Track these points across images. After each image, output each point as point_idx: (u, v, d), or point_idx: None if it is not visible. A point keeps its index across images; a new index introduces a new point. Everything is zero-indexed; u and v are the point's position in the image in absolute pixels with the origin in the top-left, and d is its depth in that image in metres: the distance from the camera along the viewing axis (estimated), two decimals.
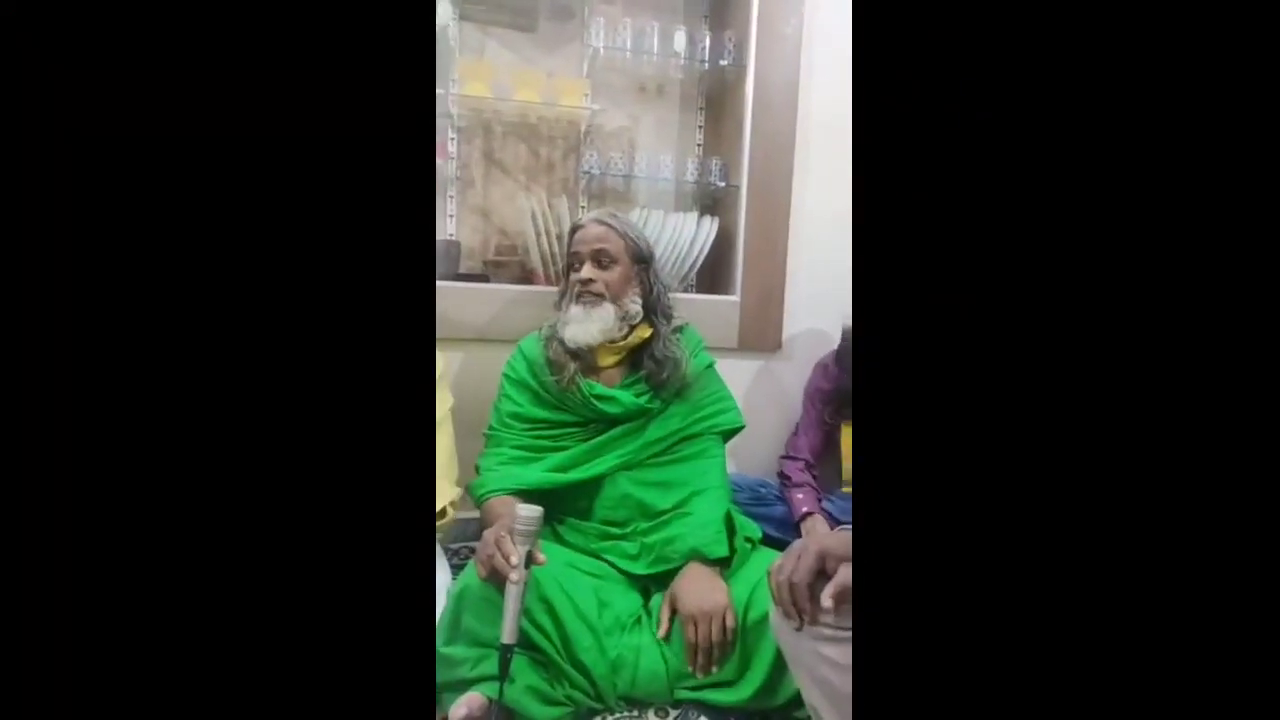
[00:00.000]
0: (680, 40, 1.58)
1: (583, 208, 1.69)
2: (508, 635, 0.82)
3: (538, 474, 1.13)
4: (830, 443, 1.52)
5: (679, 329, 1.22)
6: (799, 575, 0.75)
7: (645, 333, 1.17)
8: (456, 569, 1.12)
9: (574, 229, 1.19)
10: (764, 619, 0.91)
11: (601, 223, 1.17)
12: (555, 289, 1.27)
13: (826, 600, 0.69)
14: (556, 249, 1.49)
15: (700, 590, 0.96)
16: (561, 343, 1.14)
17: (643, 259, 1.19)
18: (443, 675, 0.88)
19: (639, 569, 1.07)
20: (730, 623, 0.94)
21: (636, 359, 1.18)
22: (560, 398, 1.15)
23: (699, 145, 1.74)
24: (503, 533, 0.86)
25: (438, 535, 1.09)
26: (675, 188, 1.71)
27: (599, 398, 1.14)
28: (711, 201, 1.70)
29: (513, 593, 0.82)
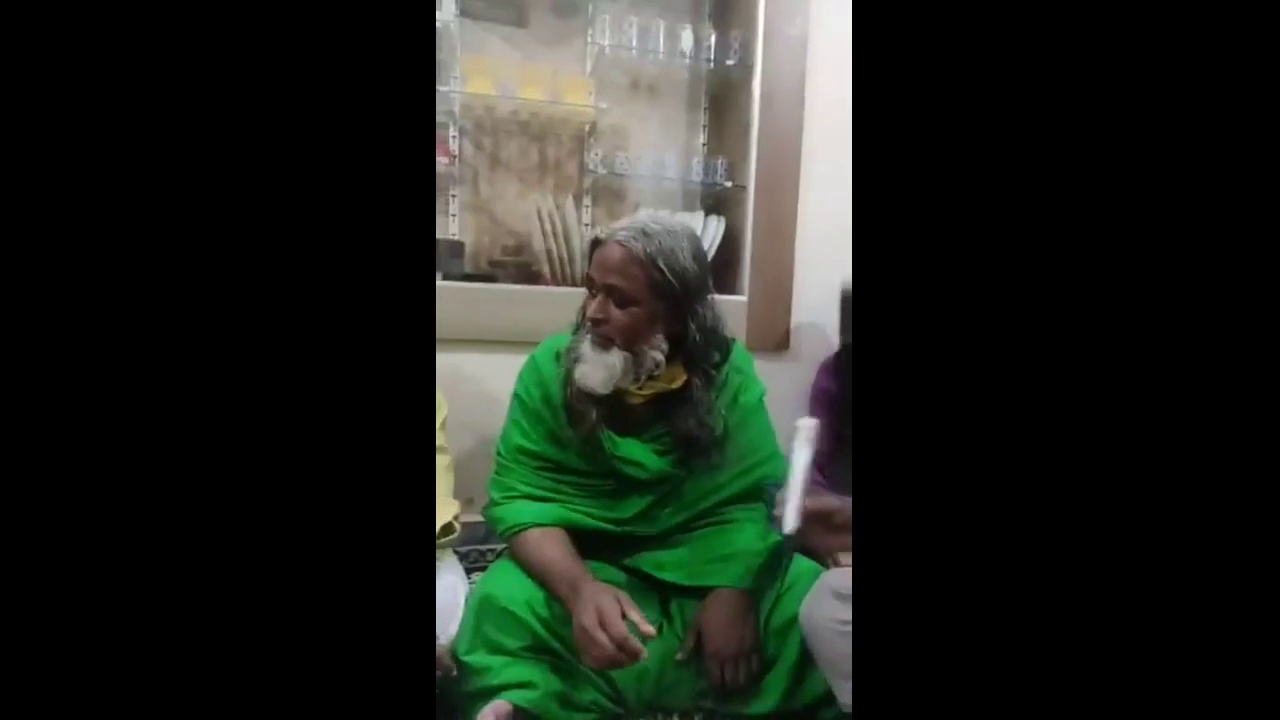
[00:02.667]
0: (687, 39, 1.57)
1: (586, 207, 1.67)
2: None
3: (564, 511, 0.98)
4: (842, 444, 1.51)
5: (721, 363, 0.98)
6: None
7: (677, 380, 0.95)
8: (470, 571, 1.09)
9: (594, 243, 0.94)
10: (787, 623, 0.90)
11: (623, 245, 0.88)
12: (565, 289, 1.20)
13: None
14: (564, 249, 1.47)
15: (728, 628, 0.90)
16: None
17: (673, 295, 0.90)
18: (468, 684, 0.86)
19: (667, 577, 0.99)
20: (756, 667, 0.90)
21: (670, 403, 0.96)
22: (578, 446, 0.98)
23: (703, 145, 1.73)
24: (615, 620, 0.78)
25: (448, 546, 1.04)
26: (681, 187, 1.70)
27: (623, 460, 0.97)
28: (716, 202, 1.69)
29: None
